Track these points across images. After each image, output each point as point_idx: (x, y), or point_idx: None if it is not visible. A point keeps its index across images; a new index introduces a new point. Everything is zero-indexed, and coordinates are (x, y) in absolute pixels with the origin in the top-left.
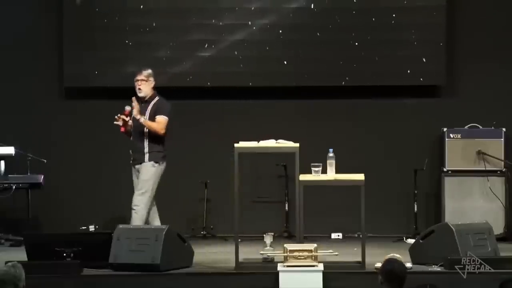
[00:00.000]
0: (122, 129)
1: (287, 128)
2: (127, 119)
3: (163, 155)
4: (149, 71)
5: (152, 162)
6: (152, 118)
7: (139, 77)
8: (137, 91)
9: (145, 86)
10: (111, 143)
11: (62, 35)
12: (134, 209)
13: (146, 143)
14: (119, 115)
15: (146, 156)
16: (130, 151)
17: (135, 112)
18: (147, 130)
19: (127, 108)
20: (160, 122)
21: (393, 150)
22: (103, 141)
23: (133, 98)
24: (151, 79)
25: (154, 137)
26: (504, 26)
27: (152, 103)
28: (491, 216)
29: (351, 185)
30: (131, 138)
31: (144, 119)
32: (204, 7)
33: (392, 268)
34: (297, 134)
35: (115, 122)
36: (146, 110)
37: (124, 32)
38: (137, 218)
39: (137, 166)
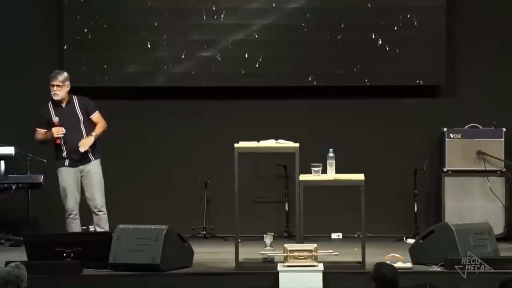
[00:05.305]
0: (58, 141)
1: (287, 128)
2: (63, 130)
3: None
4: (65, 75)
5: (98, 160)
6: (85, 118)
7: (54, 82)
8: (53, 95)
9: (60, 91)
10: (110, 142)
11: (62, 35)
12: (103, 211)
13: None
14: (57, 131)
15: (91, 156)
16: (64, 154)
17: (82, 147)
18: (84, 130)
19: (57, 119)
20: (101, 119)
21: (393, 150)
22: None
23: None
24: (67, 83)
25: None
26: (504, 26)
27: (76, 103)
28: (491, 216)
29: (351, 185)
30: (64, 141)
31: (95, 135)
32: (204, 7)
33: (382, 273)
34: (297, 134)
35: (57, 135)
36: (74, 112)
37: (124, 32)
38: (106, 217)
39: (81, 167)
